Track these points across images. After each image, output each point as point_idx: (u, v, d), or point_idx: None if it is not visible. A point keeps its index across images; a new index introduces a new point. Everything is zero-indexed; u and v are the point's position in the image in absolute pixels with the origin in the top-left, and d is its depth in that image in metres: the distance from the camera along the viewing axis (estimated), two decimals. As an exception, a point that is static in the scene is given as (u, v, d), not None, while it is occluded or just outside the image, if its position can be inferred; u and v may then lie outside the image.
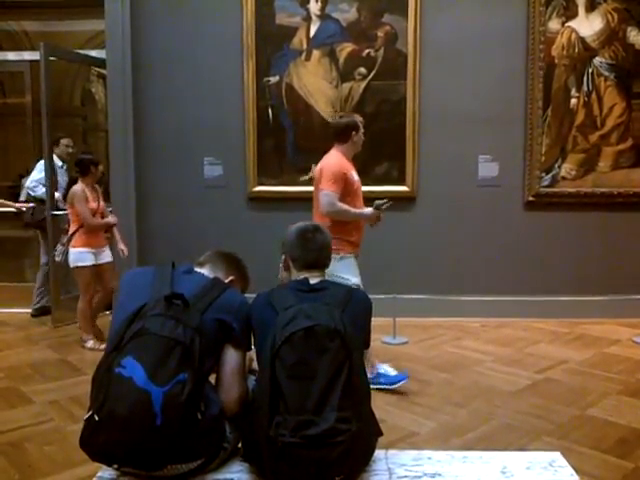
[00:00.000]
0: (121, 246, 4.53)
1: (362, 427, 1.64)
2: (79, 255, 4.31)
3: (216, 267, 2.05)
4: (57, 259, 4.38)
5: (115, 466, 1.66)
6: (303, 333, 1.66)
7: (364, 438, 1.67)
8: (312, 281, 1.93)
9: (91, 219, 4.33)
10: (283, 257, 2.08)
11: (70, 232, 4.34)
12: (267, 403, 1.61)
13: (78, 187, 4.33)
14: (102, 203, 4.52)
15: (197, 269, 2.02)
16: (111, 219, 4.56)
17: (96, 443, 1.59)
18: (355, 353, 1.70)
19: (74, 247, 4.31)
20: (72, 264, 4.33)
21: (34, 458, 2.70)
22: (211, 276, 1.97)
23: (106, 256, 4.49)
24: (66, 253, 4.33)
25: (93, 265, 4.36)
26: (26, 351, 4.37)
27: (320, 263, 2.03)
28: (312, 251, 2.02)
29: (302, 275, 1.98)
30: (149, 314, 1.68)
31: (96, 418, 1.57)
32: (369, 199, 5.17)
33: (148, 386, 1.55)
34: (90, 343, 4.37)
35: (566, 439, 2.85)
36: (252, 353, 1.93)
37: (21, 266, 7.21)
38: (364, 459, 1.74)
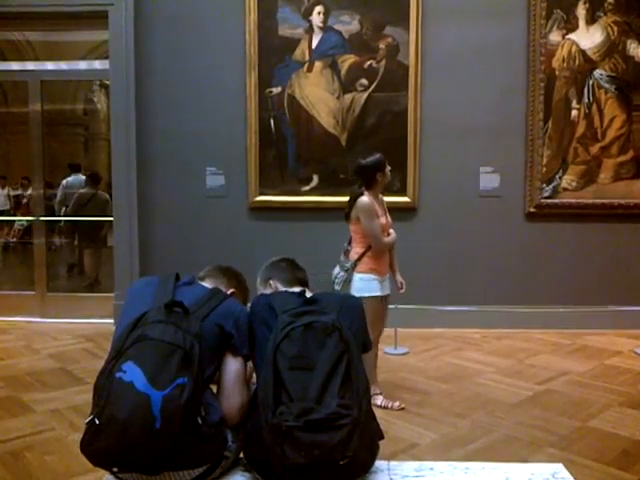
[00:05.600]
0: (399, 277, 3.65)
1: (364, 417, 1.66)
2: (367, 283, 3.42)
3: (217, 280, 2.09)
4: (337, 287, 3.48)
5: (115, 469, 1.66)
6: (302, 328, 1.73)
7: (366, 427, 1.69)
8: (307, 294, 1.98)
9: (382, 238, 3.44)
10: (271, 283, 2.13)
11: (357, 254, 3.46)
12: (271, 394, 1.65)
13: (366, 199, 3.42)
14: (389, 217, 3.59)
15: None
16: (394, 235, 3.59)
17: (96, 447, 1.60)
18: (353, 349, 1.74)
19: (360, 272, 3.44)
20: (356, 294, 3.29)
21: (35, 467, 2.69)
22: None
23: (386, 287, 3.55)
24: (349, 280, 3.46)
25: (381, 296, 3.46)
26: (27, 360, 4.37)
27: (307, 282, 2.16)
28: (300, 270, 2.17)
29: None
30: (149, 321, 1.70)
31: (97, 422, 1.58)
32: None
33: (148, 390, 1.56)
34: (380, 400, 3.44)
35: (568, 451, 2.84)
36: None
37: (22, 274, 7.20)
38: (367, 447, 1.74)
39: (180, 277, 1.98)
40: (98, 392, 1.64)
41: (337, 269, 3.53)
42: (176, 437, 1.58)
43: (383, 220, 3.47)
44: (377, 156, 3.48)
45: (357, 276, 3.44)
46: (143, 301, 1.82)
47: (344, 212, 3.53)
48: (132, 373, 1.58)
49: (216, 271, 2.14)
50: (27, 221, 7.46)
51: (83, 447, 1.63)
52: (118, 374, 1.60)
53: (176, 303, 1.75)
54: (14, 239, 9.52)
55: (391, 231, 3.55)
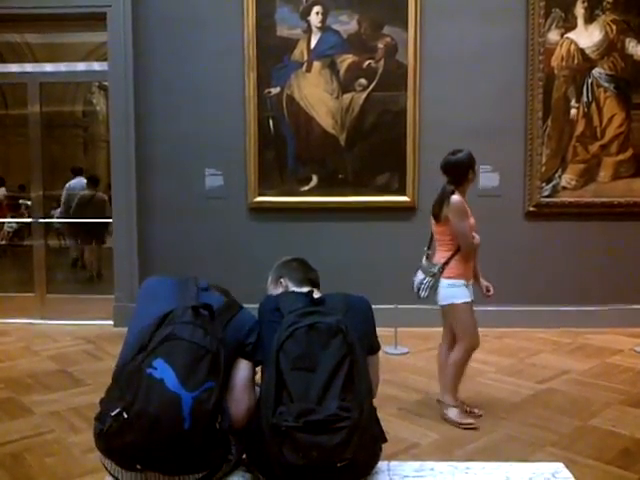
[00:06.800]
0: (484, 281, 3.35)
1: (365, 420, 1.66)
2: (457, 289, 3.17)
3: None
4: (423, 295, 3.23)
5: (139, 467, 1.63)
6: (306, 329, 1.74)
7: (367, 430, 1.68)
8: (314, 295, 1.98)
9: (472, 240, 3.17)
10: (282, 282, 2.14)
11: (444, 258, 3.19)
12: (273, 393, 1.66)
13: (458, 197, 3.18)
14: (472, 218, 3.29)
15: None
16: (478, 238, 3.26)
17: (122, 441, 1.57)
18: (357, 351, 1.74)
19: (448, 278, 3.17)
20: (445, 301, 3.20)
21: (34, 470, 2.69)
22: None
23: (471, 292, 3.26)
24: (435, 287, 3.21)
25: (472, 301, 3.20)
26: (27, 362, 4.37)
27: (318, 283, 2.16)
28: (312, 271, 2.18)
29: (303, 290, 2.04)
30: (178, 321, 1.71)
31: (125, 416, 1.56)
32: (370, 209, 5.22)
33: (179, 390, 1.57)
34: (454, 413, 3.22)
35: (569, 450, 2.84)
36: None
37: (22, 276, 7.20)
38: (368, 450, 1.74)
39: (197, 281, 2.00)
40: (125, 385, 1.62)
41: (420, 275, 3.27)
42: (200, 439, 1.59)
43: (472, 220, 3.23)
44: (468, 152, 3.23)
45: (445, 282, 3.17)
46: (163, 300, 1.83)
47: (432, 212, 3.29)
48: (163, 371, 1.59)
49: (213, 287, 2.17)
50: (17, 223, 7.51)
51: (105, 441, 1.61)
52: (148, 370, 1.60)
53: (205, 305, 1.76)
54: (3, 241, 9.48)
55: (474, 234, 3.23)
